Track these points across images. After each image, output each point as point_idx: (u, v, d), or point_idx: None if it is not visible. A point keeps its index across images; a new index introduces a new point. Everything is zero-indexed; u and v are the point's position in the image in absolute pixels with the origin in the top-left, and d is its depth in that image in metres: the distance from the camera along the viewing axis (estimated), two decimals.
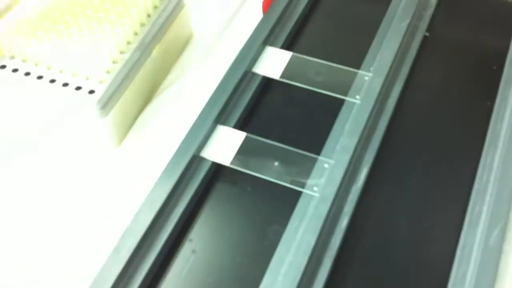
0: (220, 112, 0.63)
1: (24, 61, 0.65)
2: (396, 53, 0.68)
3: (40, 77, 0.64)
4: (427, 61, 0.70)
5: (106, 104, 0.62)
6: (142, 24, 0.69)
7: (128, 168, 0.66)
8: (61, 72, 0.64)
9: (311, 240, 0.54)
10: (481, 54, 0.70)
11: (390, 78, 0.67)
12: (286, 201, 0.58)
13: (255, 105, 0.67)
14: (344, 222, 0.56)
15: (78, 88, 0.63)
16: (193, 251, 0.56)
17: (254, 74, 0.69)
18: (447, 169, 0.60)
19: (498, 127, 0.61)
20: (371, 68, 0.67)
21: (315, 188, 0.58)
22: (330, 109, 0.65)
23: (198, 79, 0.74)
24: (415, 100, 0.67)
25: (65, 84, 0.63)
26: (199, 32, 0.81)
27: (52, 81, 0.64)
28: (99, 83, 0.63)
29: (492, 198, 0.55)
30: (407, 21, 0.71)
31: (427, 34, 0.72)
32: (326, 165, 0.59)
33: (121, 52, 0.66)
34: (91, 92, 0.62)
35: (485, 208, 0.55)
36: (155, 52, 0.70)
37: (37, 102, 0.66)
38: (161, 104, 0.72)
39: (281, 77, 0.68)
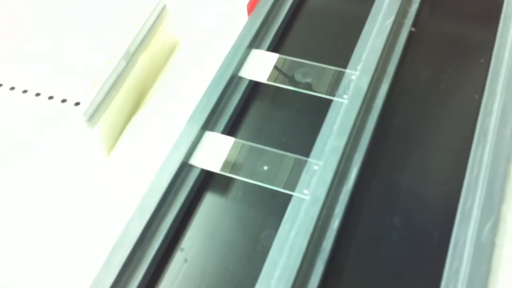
0: (207, 118, 0.63)
1: (8, 75, 0.65)
2: (382, 51, 0.68)
3: (25, 91, 0.64)
4: (413, 57, 0.69)
5: (92, 116, 0.62)
6: (128, 33, 0.69)
7: (118, 178, 0.66)
8: (46, 85, 0.64)
9: (303, 243, 0.53)
10: (467, 47, 0.70)
11: (377, 75, 0.66)
12: (277, 205, 0.58)
13: (242, 109, 0.67)
14: (335, 223, 0.56)
15: (64, 100, 0.63)
16: (185, 260, 0.56)
17: (241, 78, 0.68)
18: (437, 165, 0.60)
19: (487, 121, 0.61)
20: (358, 67, 0.66)
21: (305, 191, 0.57)
22: (318, 110, 0.65)
23: (185, 86, 0.74)
24: (403, 97, 0.67)
25: (51, 97, 0.63)
26: (185, 38, 0.80)
27: (37, 94, 0.64)
28: (85, 95, 0.63)
29: (483, 192, 0.55)
30: (392, 18, 0.70)
31: (413, 29, 0.72)
32: (315, 167, 0.59)
33: (107, 62, 0.66)
34: (77, 104, 0.62)
35: (476, 203, 0.55)
36: (141, 60, 0.70)
37: (23, 116, 0.66)
38: (149, 112, 0.71)
39: (268, 80, 0.67)
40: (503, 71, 0.63)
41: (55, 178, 0.67)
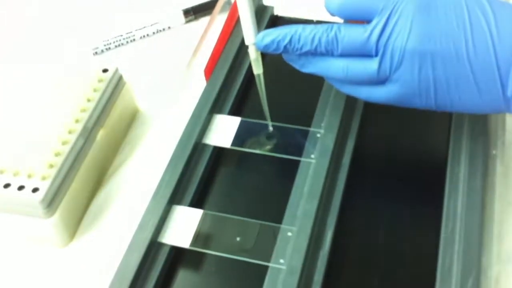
0: (173, 192, 0.61)
1: None
2: (345, 105, 0.67)
3: None
4: (376, 109, 0.69)
5: (51, 202, 0.59)
6: (83, 110, 0.66)
7: (82, 267, 0.62)
8: (1, 173, 0.61)
9: None
10: None
11: (343, 132, 0.66)
12: (254, 277, 0.56)
13: (209, 178, 0.65)
14: None
15: (21, 187, 0.60)
16: None
17: (205, 145, 0.67)
18: (412, 222, 0.59)
19: (456, 170, 0.60)
20: (322, 124, 0.66)
21: (281, 260, 0.55)
22: (287, 172, 0.63)
23: (148, 157, 0.72)
24: (370, 151, 0.66)
25: (7, 185, 0.60)
26: (145, 107, 0.79)
27: None
28: (43, 180, 0.60)
29: (461, 246, 0.54)
30: None
31: None
32: (289, 233, 0.57)
33: (63, 143, 0.63)
34: (35, 190, 0.59)
35: (455, 259, 0.53)
36: (100, 136, 0.68)
37: None
38: (112, 190, 0.69)
39: (232, 145, 0.66)
40: (466, 120, 0.63)
41: (12, 273, 0.63)
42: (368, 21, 0.53)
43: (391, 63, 0.52)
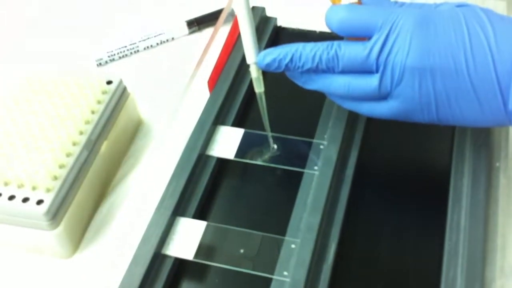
0: (177, 203, 0.61)
1: None
2: (348, 117, 0.67)
3: None
4: (379, 121, 0.69)
5: (55, 214, 0.59)
6: (87, 122, 0.67)
7: (85, 280, 0.62)
8: (6, 185, 0.62)
9: None
10: None
11: (346, 143, 0.66)
12: None
13: (212, 189, 0.65)
14: None
15: (26, 199, 0.60)
16: None
17: (209, 157, 0.67)
18: (415, 233, 0.59)
19: (459, 182, 0.60)
20: (325, 136, 0.66)
21: (285, 273, 0.55)
22: (290, 184, 0.63)
23: (151, 169, 0.72)
24: (373, 163, 0.66)
25: (11, 197, 0.60)
26: (149, 118, 0.79)
27: None
28: (47, 192, 0.60)
29: (464, 259, 0.54)
30: None
31: None
32: (293, 246, 0.57)
33: (67, 155, 0.64)
34: (40, 202, 0.59)
35: (459, 271, 0.53)
36: (104, 147, 0.68)
37: None
38: (115, 202, 0.69)
39: (235, 156, 0.66)
40: (469, 132, 0.64)
41: (16, 284, 0.63)
42: (368, 37, 0.54)
43: (392, 79, 0.53)
